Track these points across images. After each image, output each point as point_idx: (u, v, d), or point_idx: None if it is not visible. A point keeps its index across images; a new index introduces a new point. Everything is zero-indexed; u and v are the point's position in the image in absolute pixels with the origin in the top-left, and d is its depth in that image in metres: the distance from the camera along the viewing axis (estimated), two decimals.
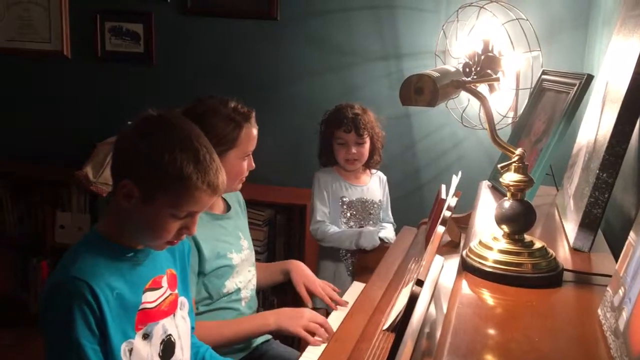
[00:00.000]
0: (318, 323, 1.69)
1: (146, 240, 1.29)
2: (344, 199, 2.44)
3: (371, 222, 2.47)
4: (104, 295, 1.19)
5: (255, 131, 1.80)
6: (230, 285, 1.79)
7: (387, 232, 2.48)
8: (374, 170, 2.53)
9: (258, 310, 1.95)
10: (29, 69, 3.37)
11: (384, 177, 2.56)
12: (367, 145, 2.40)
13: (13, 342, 3.02)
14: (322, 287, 1.96)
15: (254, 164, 1.84)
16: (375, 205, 2.48)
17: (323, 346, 1.60)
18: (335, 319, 1.78)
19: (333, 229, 2.40)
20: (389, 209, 2.58)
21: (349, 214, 2.44)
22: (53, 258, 3.21)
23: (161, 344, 1.31)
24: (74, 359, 1.17)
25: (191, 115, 1.71)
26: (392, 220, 2.58)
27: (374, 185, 2.50)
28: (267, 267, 2.09)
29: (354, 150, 2.37)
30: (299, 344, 1.85)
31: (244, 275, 1.86)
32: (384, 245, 2.32)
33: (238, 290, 1.82)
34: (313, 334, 1.68)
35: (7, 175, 3.27)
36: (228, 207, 1.90)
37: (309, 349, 1.64)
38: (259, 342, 1.87)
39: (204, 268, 1.71)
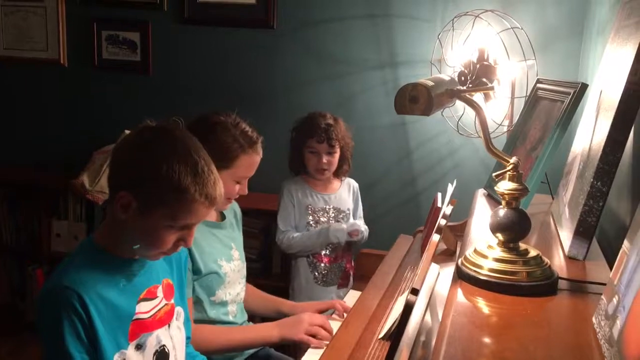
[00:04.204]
0: (318, 325, 1.75)
1: (142, 251, 1.28)
2: (310, 207, 2.42)
3: None
4: (94, 305, 1.19)
5: (257, 158, 1.78)
6: (220, 294, 1.78)
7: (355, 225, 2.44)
8: (344, 177, 2.51)
9: (248, 321, 1.94)
10: (26, 77, 3.38)
11: (355, 185, 2.54)
12: (337, 155, 2.39)
13: (9, 350, 3.01)
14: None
15: (247, 190, 1.81)
16: (343, 214, 2.46)
17: (320, 352, 1.60)
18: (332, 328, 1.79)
19: (297, 234, 2.39)
20: (360, 216, 2.54)
21: (315, 222, 2.41)
22: (49, 266, 3.20)
23: (154, 354, 1.31)
24: None
25: (201, 125, 1.72)
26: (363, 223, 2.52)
27: (343, 193, 2.48)
28: (263, 300, 2.06)
29: (324, 160, 2.36)
30: (295, 352, 1.85)
31: (234, 288, 1.84)
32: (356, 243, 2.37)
33: (225, 302, 1.81)
34: (315, 336, 1.73)
35: (3, 183, 3.26)
36: (222, 217, 1.89)
37: (306, 356, 1.65)
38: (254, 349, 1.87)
39: (197, 268, 1.71)
